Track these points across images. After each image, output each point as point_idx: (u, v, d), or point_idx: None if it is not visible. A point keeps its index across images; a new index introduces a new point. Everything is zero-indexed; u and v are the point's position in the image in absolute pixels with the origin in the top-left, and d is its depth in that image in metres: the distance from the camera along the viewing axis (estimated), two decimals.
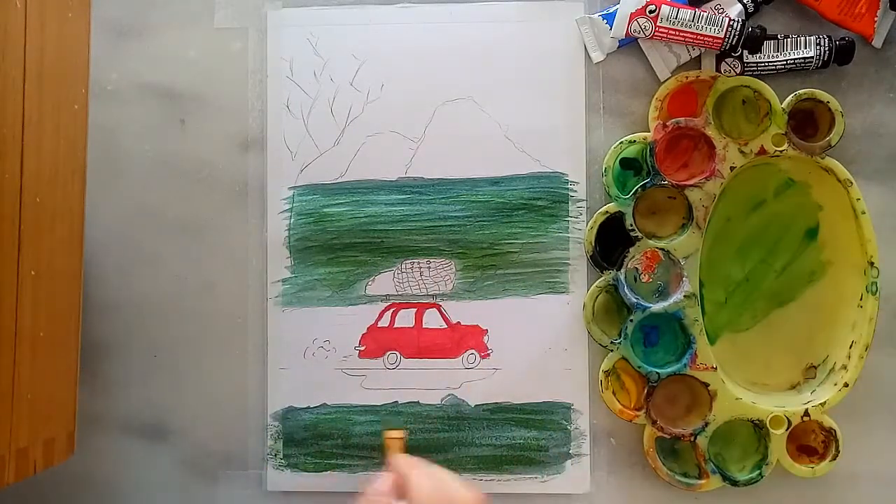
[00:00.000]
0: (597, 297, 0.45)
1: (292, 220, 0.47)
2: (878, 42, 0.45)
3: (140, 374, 0.47)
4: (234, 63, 0.48)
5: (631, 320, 0.45)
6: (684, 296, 0.44)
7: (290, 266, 0.47)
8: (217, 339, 0.47)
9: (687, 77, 0.45)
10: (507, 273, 0.47)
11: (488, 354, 0.47)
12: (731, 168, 0.44)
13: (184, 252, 0.48)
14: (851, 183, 0.44)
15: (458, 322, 0.47)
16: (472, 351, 0.47)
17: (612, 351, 0.45)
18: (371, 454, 0.47)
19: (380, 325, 0.47)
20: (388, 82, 0.47)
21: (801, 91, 0.44)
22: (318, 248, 0.47)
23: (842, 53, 0.44)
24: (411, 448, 0.46)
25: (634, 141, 0.45)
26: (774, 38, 0.45)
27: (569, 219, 0.47)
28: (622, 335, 0.45)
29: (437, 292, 0.47)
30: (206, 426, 0.47)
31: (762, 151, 0.44)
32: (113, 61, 0.48)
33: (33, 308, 0.35)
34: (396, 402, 0.47)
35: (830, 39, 0.44)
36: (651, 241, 0.45)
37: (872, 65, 0.45)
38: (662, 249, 0.45)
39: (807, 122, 0.46)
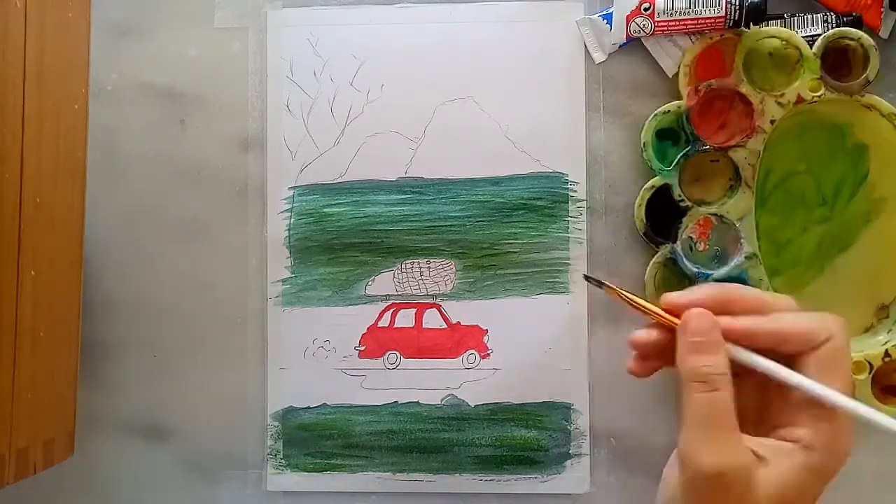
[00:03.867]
0: (655, 273, 0.45)
1: (292, 220, 0.47)
2: (884, 33, 0.45)
3: (140, 374, 0.47)
4: (234, 63, 0.48)
5: None
6: (745, 257, 0.44)
7: (290, 266, 0.47)
8: (217, 339, 0.47)
9: (712, 38, 0.45)
10: (507, 273, 0.47)
11: (488, 354, 0.47)
12: (772, 121, 0.44)
13: (184, 252, 0.48)
14: None
15: (458, 322, 0.47)
16: (472, 351, 0.47)
17: None
18: (371, 454, 0.47)
19: (380, 325, 0.47)
20: (388, 82, 0.47)
21: (829, 32, 0.44)
22: (318, 248, 0.47)
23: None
24: (409, 447, 0.47)
25: (668, 111, 0.45)
26: (781, 17, 0.45)
27: (569, 219, 0.47)
28: None
29: (437, 292, 0.47)
30: (206, 426, 0.47)
31: (800, 100, 0.44)
32: (113, 61, 0.48)
33: (33, 308, 0.35)
34: (396, 402, 0.47)
35: (838, 16, 0.45)
36: (702, 209, 0.45)
37: None
38: (714, 214, 0.45)
39: (839, 65, 0.45)
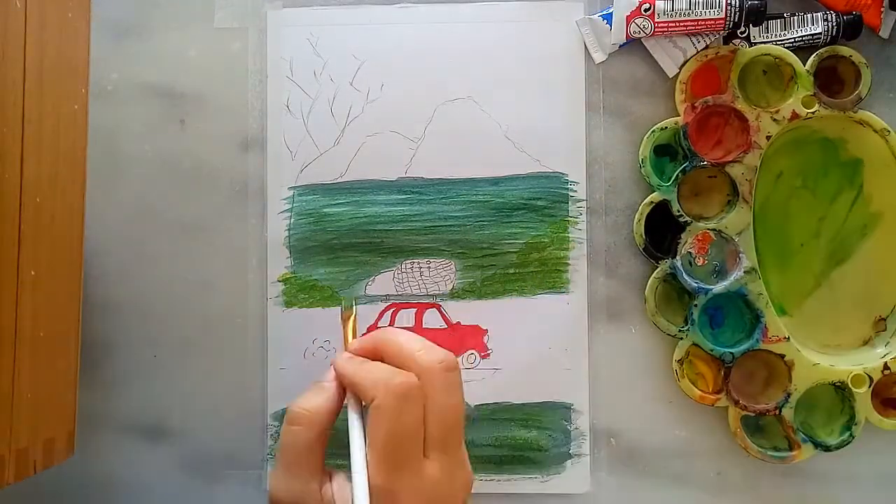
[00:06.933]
0: (656, 288, 0.45)
1: (292, 220, 0.47)
2: (885, 33, 0.46)
3: (140, 374, 0.47)
4: (234, 63, 0.48)
5: (695, 305, 0.45)
6: (744, 272, 0.45)
7: (290, 266, 0.47)
8: (217, 339, 0.47)
9: (707, 56, 0.45)
10: (507, 273, 0.47)
11: (488, 354, 0.47)
12: (768, 137, 0.45)
13: (184, 252, 0.48)
14: (889, 132, 0.45)
15: (458, 322, 0.47)
16: (472, 351, 0.47)
17: (681, 339, 0.45)
18: None
19: (380, 325, 0.47)
20: (388, 82, 0.47)
21: (822, 50, 0.45)
22: (318, 248, 0.47)
23: (849, 28, 0.45)
24: None
25: (666, 127, 0.45)
26: (781, 16, 0.45)
27: (569, 219, 0.47)
28: (689, 322, 0.45)
29: (437, 292, 0.47)
30: (206, 426, 0.47)
31: (794, 116, 0.45)
32: (113, 61, 0.48)
33: (33, 308, 0.35)
34: None
35: (837, 15, 0.45)
36: (700, 224, 0.45)
37: (873, 65, 0.45)
38: (713, 229, 0.45)
39: (831, 81, 0.46)
